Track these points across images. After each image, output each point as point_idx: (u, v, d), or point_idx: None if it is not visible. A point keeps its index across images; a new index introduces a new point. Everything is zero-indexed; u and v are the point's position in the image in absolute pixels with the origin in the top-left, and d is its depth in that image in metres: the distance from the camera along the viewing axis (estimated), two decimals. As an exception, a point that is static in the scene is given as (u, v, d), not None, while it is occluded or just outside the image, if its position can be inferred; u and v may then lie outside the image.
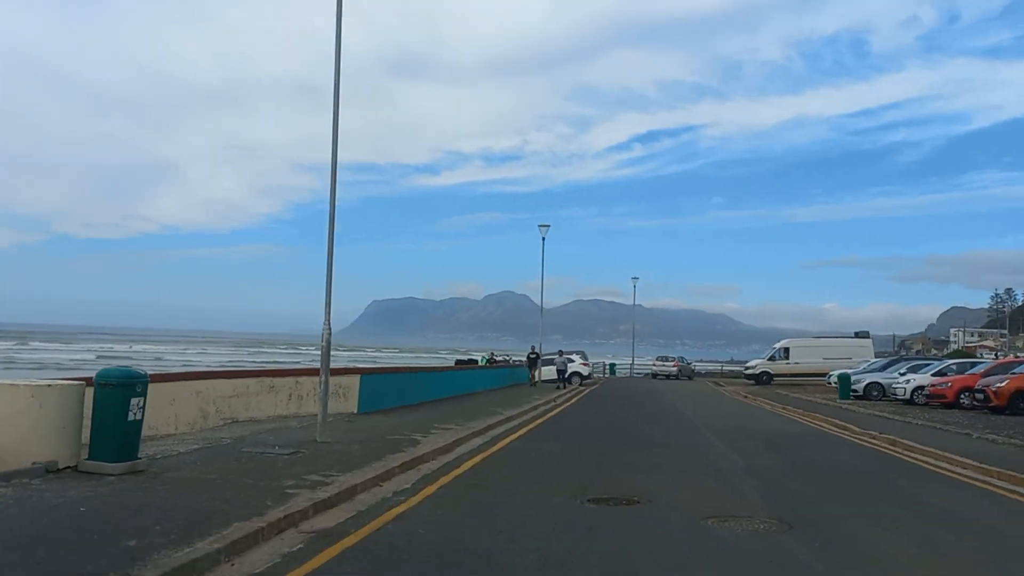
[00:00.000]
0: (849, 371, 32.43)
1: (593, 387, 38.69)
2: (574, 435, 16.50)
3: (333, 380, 14.00)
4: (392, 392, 19.79)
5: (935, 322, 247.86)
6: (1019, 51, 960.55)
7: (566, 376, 39.34)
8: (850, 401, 28.66)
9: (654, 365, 60.51)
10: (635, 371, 64.41)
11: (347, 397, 17.02)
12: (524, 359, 43.37)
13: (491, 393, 28.34)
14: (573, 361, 40.73)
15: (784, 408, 26.57)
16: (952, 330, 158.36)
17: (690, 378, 55.37)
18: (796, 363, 43.55)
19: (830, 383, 35.17)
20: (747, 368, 45.52)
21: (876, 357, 42.79)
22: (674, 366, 56.00)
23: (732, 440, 15.76)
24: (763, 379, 43.68)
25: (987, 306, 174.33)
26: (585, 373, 41.03)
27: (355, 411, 17.08)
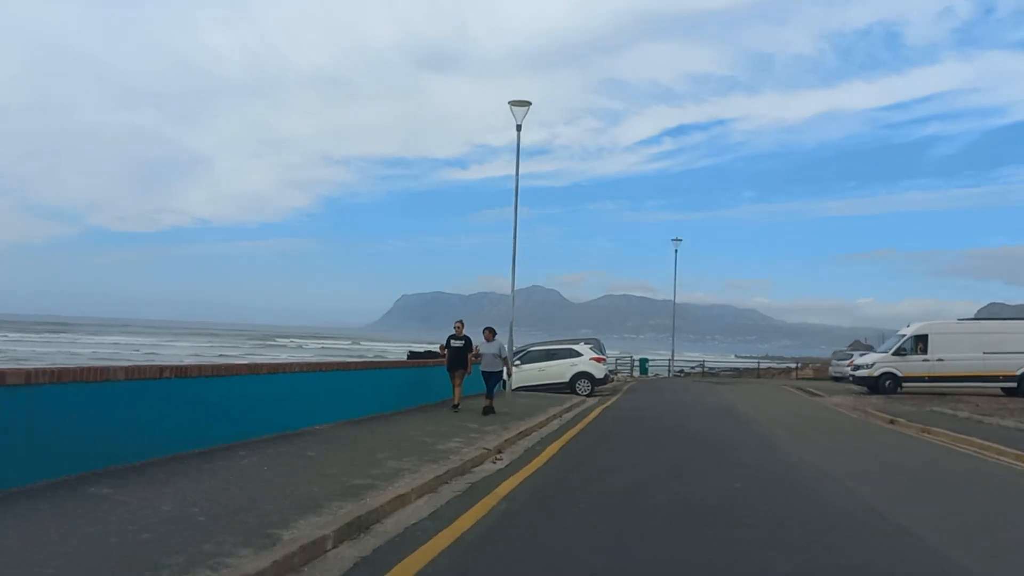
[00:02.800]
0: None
1: (610, 403, 22.75)
2: None
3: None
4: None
5: (973, 317, 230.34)
6: None
7: (570, 381, 23.88)
8: None
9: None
10: (675, 368, 47.76)
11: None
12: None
13: (338, 434, 12.93)
14: (579, 355, 24.95)
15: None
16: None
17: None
18: (939, 359, 27.24)
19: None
20: (855, 368, 29.25)
21: (879, 351, 28.13)
22: None
23: None
24: (885, 386, 27.48)
25: None
26: (599, 375, 25.10)
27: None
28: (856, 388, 29.41)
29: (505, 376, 17.53)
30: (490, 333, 16.19)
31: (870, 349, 39.45)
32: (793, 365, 62.51)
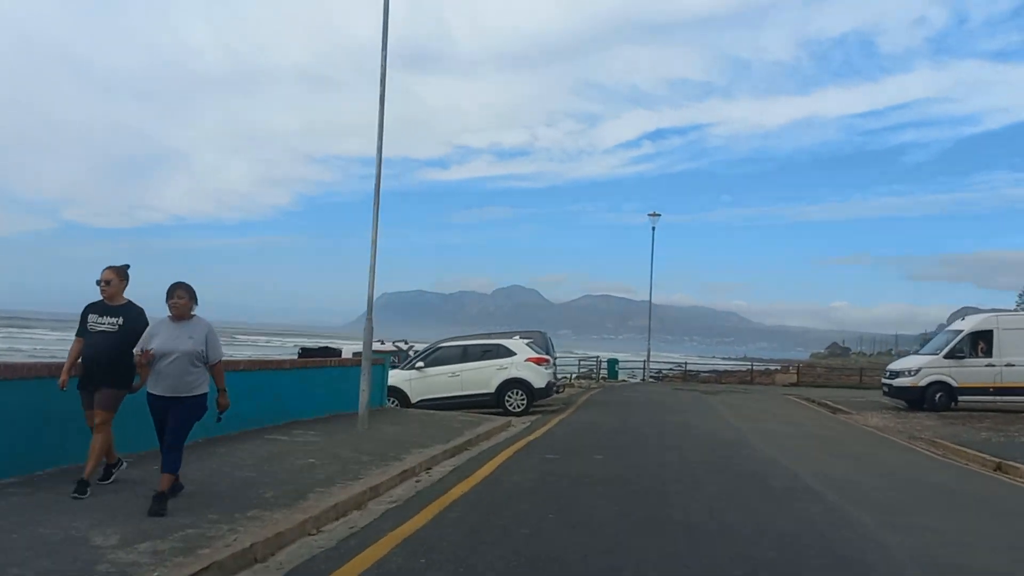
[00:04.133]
0: None
1: (545, 429, 15.03)
2: None
3: None
4: None
5: (945, 322, 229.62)
6: None
7: (496, 392, 16.58)
8: None
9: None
10: (651, 371, 39.66)
11: None
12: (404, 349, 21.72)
13: None
14: (510, 354, 17.44)
15: None
16: None
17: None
18: (1009, 365, 19.88)
19: None
20: (892, 375, 21.69)
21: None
22: None
23: None
24: (935, 400, 20.09)
25: (1014, 305, 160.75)
26: (539, 383, 17.30)
27: None
28: (888, 402, 21.99)
29: (218, 407, 6.51)
30: (180, 300, 6.37)
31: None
32: (776, 368, 55.49)
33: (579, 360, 38.24)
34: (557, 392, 21.08)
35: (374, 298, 12.98)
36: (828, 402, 22.98)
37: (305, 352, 23.18)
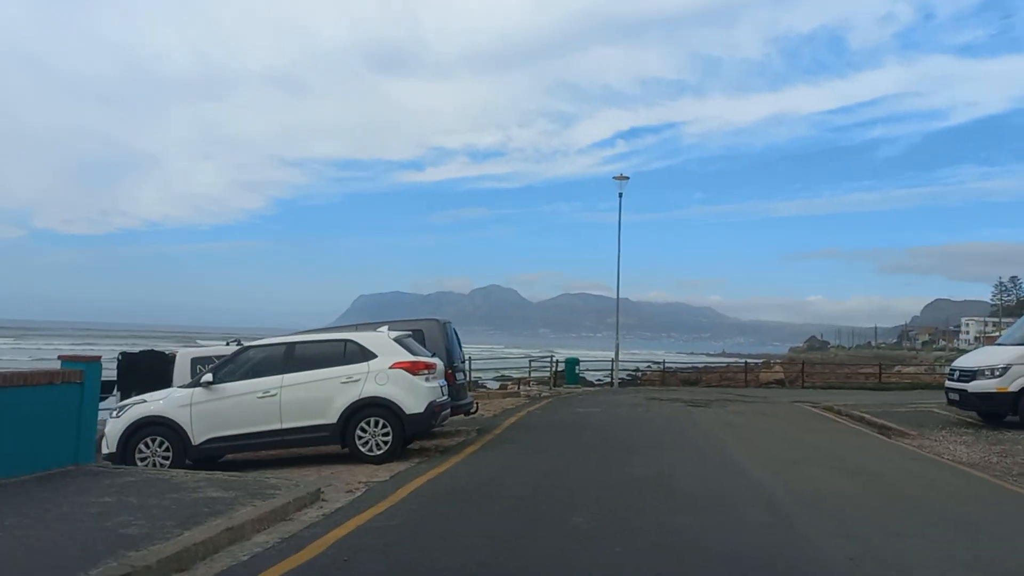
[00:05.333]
0: None
1: (385, 505, 7.70)
2: None
3: None
4: None
5: (919, 314, 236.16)
6: (993, 48, 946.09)
7: (338, 422, 9.26)
8: None
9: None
10: (620, 372, 32.16)
11: None
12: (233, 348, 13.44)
13: None
14: (368, 356, 10.18)
15: None
16: (964, 319, 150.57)
17: None
18: None
19: None
20: (959, 376, 14.77)
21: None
22: None
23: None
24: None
25: (989, 297, 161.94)
26: (415, 405, 10.21)
27: None
28: (953, 413, 15.17)
29: None
30: None
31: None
32: (758, 362, 49.08)
33: (529, 361, 29.95)
34: (470, 413, 13.94)
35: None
36: (866, 415, 16.04)
37: (124, 360, 15.78)
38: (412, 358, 10.43)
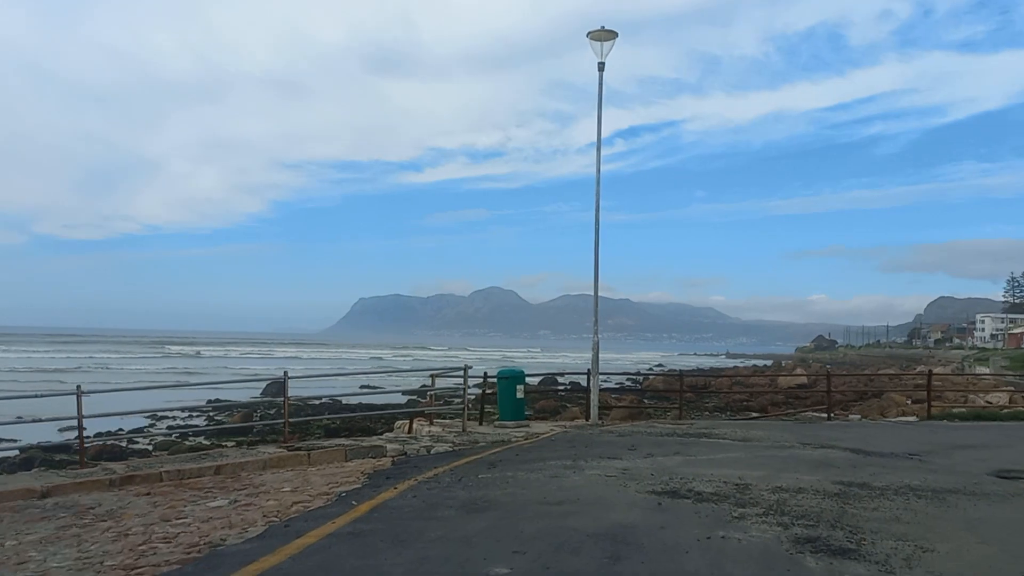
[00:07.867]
0: None
1: None
2: None
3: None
4: None
5: (923, 312, 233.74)
6: (992, 44, 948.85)
7: None
8: None
9: None
10: (604, 382, 22.05)
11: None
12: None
13: None
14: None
15: None
16: (979, 315, 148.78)
17: None
18: None
19: None
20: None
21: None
22: None
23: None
24: None
25: (1000, 293, 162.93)
26: None
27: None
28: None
29: None
30: None
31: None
32: (764, 364, 46.03)
33: (432, 376, 16.06)
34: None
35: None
36: None
37: None
38: None
